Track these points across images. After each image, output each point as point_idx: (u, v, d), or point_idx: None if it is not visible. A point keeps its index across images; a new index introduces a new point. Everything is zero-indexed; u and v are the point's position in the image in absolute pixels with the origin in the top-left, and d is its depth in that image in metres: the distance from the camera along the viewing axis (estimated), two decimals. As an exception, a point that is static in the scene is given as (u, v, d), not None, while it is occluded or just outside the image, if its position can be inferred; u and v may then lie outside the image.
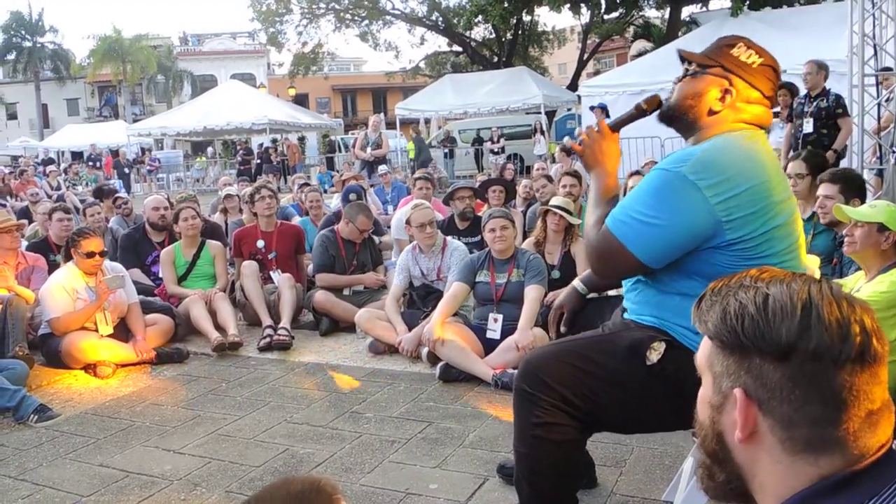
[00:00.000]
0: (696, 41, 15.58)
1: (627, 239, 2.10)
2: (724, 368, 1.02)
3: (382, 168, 11.26)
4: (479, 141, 22.89)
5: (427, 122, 27.97)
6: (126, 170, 22.37)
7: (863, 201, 4.05)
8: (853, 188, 4.12)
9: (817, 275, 2.82)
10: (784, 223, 2.12)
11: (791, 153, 6.96)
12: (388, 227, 8.02)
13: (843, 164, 7.58)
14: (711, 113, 2.20)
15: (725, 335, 1.00)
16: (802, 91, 7.93)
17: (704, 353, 1.06)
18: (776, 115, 8.70)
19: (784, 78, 9.93)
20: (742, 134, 2.17)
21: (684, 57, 2.30)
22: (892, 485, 0.93)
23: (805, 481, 0.96)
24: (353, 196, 7.40)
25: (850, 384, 0.94)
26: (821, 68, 7.40)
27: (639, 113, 2.38)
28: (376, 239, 6.77)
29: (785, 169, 5.41)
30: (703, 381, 1.08)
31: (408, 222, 5.48)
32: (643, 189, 2.13)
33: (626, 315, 2.34)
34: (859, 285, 3.23)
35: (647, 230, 2.07)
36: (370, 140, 14.02)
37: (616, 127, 2.43)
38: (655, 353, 2.14)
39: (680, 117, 2.27)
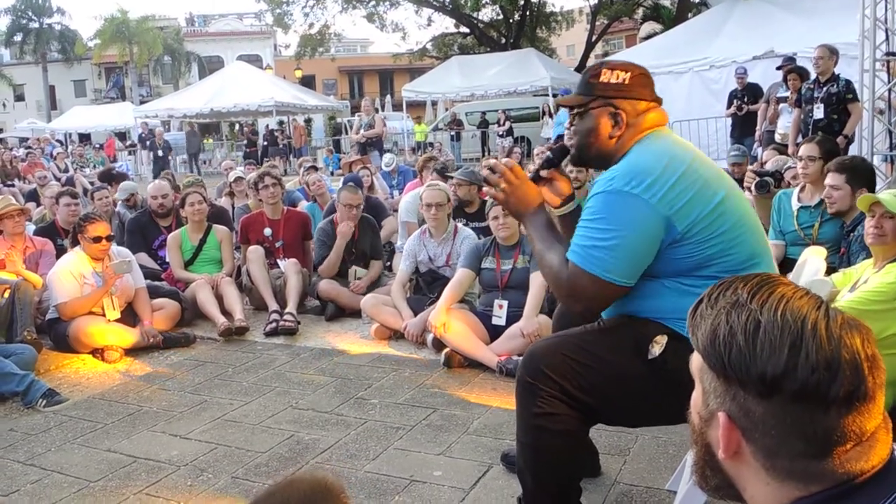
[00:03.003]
0: (705, 23, 15.46)
1: (596, 268, 2.13)
2: (711, 387, 1.00)
3: (387, 158, 11.23)
4: (484, 124, 22.80)
5: (434, 104, 27.88)
6: (160, 152, 20.53)
7: (871, 190, 4.01)
8: (861, 178, 4.08)
9: (822, 267, 2.82)
10: (724, 197, 2.19)
11: (801, 139, 6.92)
12: (395, 211, 8.01)
13: (853, 149, 7.54)
14: (613, 139, 2.30)
15: (713, 360, 0.98)
16: (812, 75, 7.87)
17: (697, 363, 1.05)
18: (784, 99, 8.63)
19: (796, 62, 9.88)
20: (649, 138, 2.28)
21: (562, 104, 2.43)
22: (892, 495, 0.92)
23: (795, 500, 0.95)
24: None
25: (835, 426, 0.91)
26: (832, 53, 7.34)
27: (548, 163, 2.49)
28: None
29: (795, 153, 5.39)
30: (695, 386, 1.07)
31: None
32: (589, 218, 2.19)
33: (611, 312, 2.35)
34: (867, 275, 3.20)
35: (610, 253, 2.12)
36: (363, 123, 13.99)
37: (536, 179, 2.48)
38: (658, 347, 2.15)
39: (589, 156, 2.40)
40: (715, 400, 1.00)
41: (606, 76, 2.31)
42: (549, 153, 2.52)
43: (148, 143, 21.68)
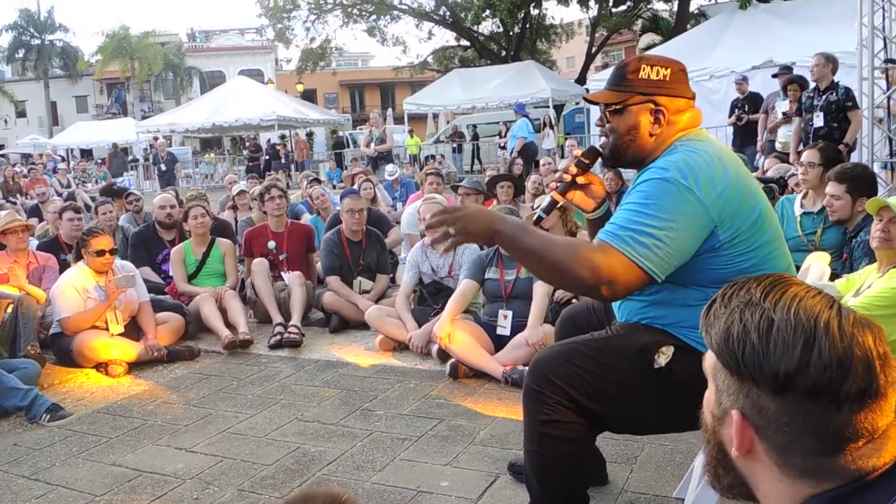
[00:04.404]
0: (704, 34, 15.52)
1: (636, 253, 2.01)
2: (724, 386, 1.01)
3: (390, 168, 11.27)
4: (475, 137, 22.93)
5: (435, 116, 27.96)
6: (163, 166, 19.70)
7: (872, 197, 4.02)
8: (861, 186, 4.09)
9: (826, 272, 2.83)
10: (762, 210, 2.15)
11: (801, 147, 6.93)
12: (398, 223, 8.02)
13: (854, 157, 7.55)
14: (653, 137, 2.23)
15: (727, 357, 0.99)
16: (811, 85, 7.89)
17: (710, 361, 1.05)
18: (786, 115, 8.62)
19: (794, 71, 9.90)
20: (691, 139, 2.21)
21: (595, 100, 2.32)
22: None
23: (808, 497, 0.96)
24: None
25: (847, 423, 0.92)
26: (828, 61, 7.35)
27: (582, 167, 2.39)
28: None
29: (796, 161, 5.41)
30: (708, 385, 1.08)
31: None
32: (638, 201, 2.08)
33: (630, 318, 2.34)
34: (870, 280, 3.20)
35: (656, 241, 2.01)
36: (374, 136, 14.06)
37: (572, 186, 2.40)
38: (664, 358, 2.14)
39: (626, 156, 2.29)
40: (728, 398, 1.00)
41: (646, 72, 2.22)
42: (580, 158, 2.40)
43: (152, 157, 21.57)
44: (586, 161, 2.38)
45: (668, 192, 2.05)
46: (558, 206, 2.38)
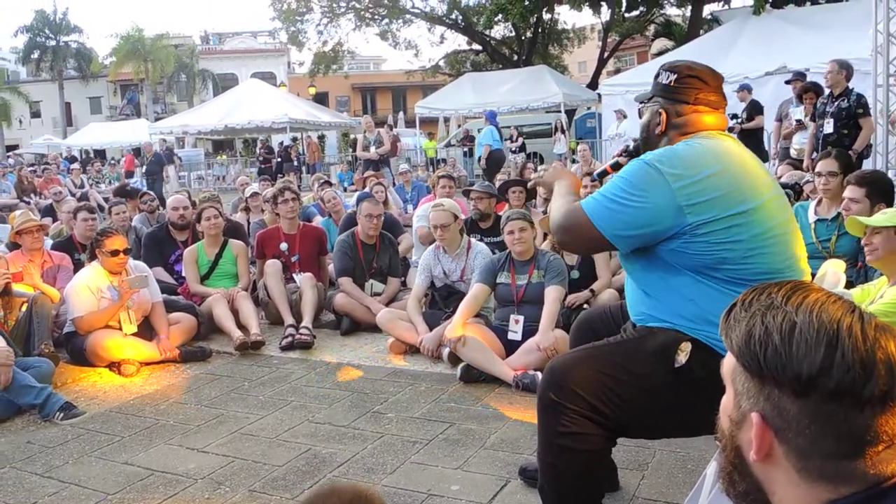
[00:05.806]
0: (717, 40, 15.49)
1: (594, 214, 2.27)
2: (744, 389, 1.01)
3: (403, 167, 11.28)
4: (470, 139, 22.99)
5: (447, 120, 28.00)
6: (145, 167, 19.87)
7: (889, 205, 4.00)
8: (880, 192, 4.07)
9: (842, 279, 2.82)
10: (754, 208, 2.20)
11: (814, 154, 6.90)
12: (408, 227, 8.03)
13: (867, 164, 7.51)
14: (658, 135, 2.44)
15: (748, 359, 0.99)
16: (826, 91, 7.85)
17: (729, 365, 1.06)
18: (800, 122, 8.57)
19: (808, 77, 9.83)
20: (699, 138, 2.34)
21: (636, 100, 2.67)
22: None
23: (825, 502, 0.96)
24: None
25: (869, 426, 0.92)
26: (842, 67, 7.31)
27: (627, 153, 2.70)
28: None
29: (812, 168, 5.37)
30: (726, 390, 1.08)
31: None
32: (619, 176, 2.31)
33: (643, 321, 2.36)
34: (882, 291, 3.20)
35: (614, 206, 2.24)
36: (370, 140, 14.03)
37: (615, 167, 2.72)
38: (684, 355, 2.16)
39: (646, 149, 2.49)
40: (748, 401, 1.01)
41: (661, 77, 2.47)
42: (630, 144, 2.73)
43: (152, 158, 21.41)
44: (631, 149, 2.70)
45: (641, 170, 2.24)
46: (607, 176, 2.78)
